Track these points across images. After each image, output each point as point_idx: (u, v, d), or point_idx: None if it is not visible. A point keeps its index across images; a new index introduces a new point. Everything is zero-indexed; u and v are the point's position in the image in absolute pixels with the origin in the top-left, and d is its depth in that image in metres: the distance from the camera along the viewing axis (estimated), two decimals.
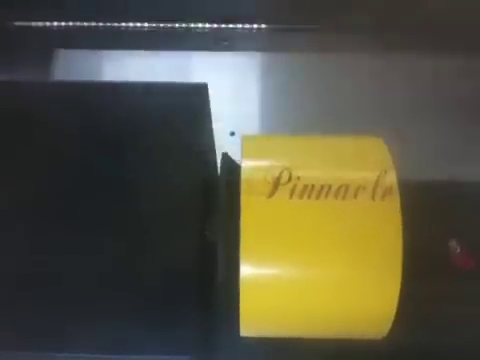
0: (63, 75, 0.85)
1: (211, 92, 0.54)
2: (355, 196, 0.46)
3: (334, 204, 0.45)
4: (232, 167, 0.50)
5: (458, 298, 0.49)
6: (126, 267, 0.47)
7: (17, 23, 0.89)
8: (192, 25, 0.89)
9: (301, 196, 0.46)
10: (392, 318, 0.45)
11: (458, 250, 0.48)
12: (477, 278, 0.49)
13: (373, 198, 0.45)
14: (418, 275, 0.45)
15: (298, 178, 0.46)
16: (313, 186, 0.46)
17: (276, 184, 0.46)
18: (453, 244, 0.48)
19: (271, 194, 0.46)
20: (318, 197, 0.46)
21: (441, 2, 0.83)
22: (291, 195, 0.46)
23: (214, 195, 0.48)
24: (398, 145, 0.49)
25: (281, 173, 0.47)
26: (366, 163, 0.48)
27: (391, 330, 0.47)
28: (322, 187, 0.46)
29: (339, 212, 0.45)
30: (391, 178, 0.46)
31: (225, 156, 0.51)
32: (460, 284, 0.49)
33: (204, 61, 0.86)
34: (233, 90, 0.82)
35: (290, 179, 0.47)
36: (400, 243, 0.44)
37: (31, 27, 0.89)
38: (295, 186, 0.46)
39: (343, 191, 0.46)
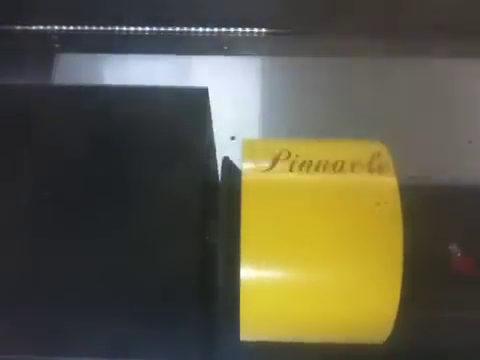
0: (64, 79, 0.85)
1: (211, 96, 0.54)
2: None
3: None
4: (233, 171, 0.50)
5: (459, 302, 0.49)
6: (126, 271, 0.47)
7: (18, 27, 0.89)
8: (192, 29, 0.89)
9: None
10: (393, 323, 0.45)
11: (459, 254, 0.48)
12: (478, 282, 0.49)
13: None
14: (419, 279, 0.45)
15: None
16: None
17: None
18: (454, 248, 0.48)
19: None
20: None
21: (441, 5, 0.83)
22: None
23: (215, 199, 0.48)
24: (399, 148, 0.49)
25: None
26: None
27: (392, 335, 0.46)
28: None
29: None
30: (392, 181, 0.47)
31: (226, 160, 0.51)
32: (461, 288, 0.49)
33: (204, 65, 0.86)
34: (233, 94, 0.82)
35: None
36: (401, 248, 0.44)
37: (32, 31, 0.89)
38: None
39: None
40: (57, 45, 0.88)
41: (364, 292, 0.45)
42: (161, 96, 0.54)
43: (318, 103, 0.82)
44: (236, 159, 0.51)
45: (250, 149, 0.50)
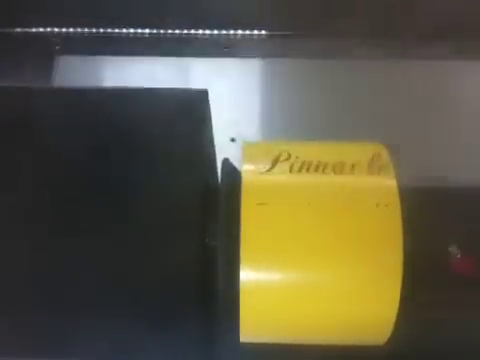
0: (64, 81, 0.85)
1: (211, 98, 0.54)
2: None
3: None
4: (232, 173, 0.50)
5: (458, 304, 0.49)
6: (126, 273, 0.47)
7: (18, 29, 0.89)
8: (192, 31, 0.89)
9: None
10: (392, 324, 0.45)
11: (458, 255, 0.48)
12: (478, 284, 0.49)
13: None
14: (418, 281, 0.45)
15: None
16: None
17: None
18: (453, 249, 0.48)
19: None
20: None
21: (440, 8, 0.83)
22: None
23: (214, 201, 0.48)
24: (399, 148, 0.49)
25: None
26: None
27: (391, 336, 0.46)
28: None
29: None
30: (392, 182, 0.47)
31: (225, 162, 0.51)
32: (461, 289, 0.49)
33: (204, 67, 0.86)
34: (233, 96, 0.83)
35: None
36: (401, 249, 0.44)
37: (32, 33, 0.90)
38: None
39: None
40: (57, 47, 0.88)
41: (364, 293, 0.45)
42: (161, 98, 0.54)
43: (318, 105, 0.82)
44: (236, 161, 0.51)
45: (250, 151, 0.50)
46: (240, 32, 0.89)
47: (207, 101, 0.54)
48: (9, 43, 0.88)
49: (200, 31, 0.89)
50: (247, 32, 0.89)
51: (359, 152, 0.49)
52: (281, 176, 0.47)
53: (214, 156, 0.60)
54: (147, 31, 0.89)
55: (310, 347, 0.49)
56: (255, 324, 0.47)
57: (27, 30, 0.89)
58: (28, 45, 0.89)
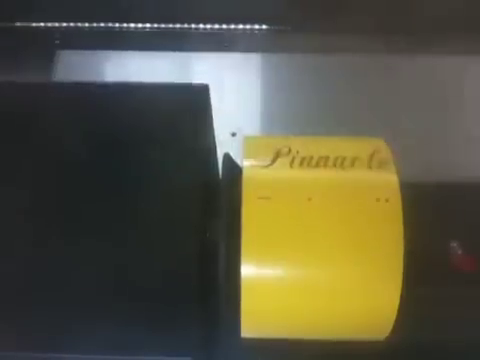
0: (64, 76, 0.85)
1: (212, 93, 0.54)
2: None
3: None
4: (233, 167, 0.50)
5: (459, 300, 0.49)
6: (126, 268, 0.47)
7: (18, 24, 0.89)
8: (193, 26, 0.89)
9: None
10: (393, 319, 0.45)
11: (459, 252, 0.48)
12: (478, 280, 0.49)
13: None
14: (419, 277, 0.45)
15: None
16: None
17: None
18: (454, 246, 0.48)
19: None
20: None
21: (442, 3, 0.83)
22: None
23: (215, 196, 0.48)
24: (399, 146, 0.49)
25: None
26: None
27: (392, 331, 0.46)
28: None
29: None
30: (393, 177, 0.47)
31: (226, 157, 0.51)
32: (461, 286, 0.49)
33: (205, 62, 0.86)
34: (234, 91, 0.82)
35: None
36: (401, 245, 0.44)
37: (32, 28, 0.89)
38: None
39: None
40: (58, 42, 0.88)
41: (365, 289, 0.45)
42: (162, 93, 0.54)
43: (318, 100, 0.82)
44: (237, 155, 0.51)
45: (250, 145, 0.50)
46: (241, 27, 0.88)
47: (208, 96, 0.54)
48: (9, 38, 0.88)
49: (201, 26, 0.88)
50: (248, 27, 0.88)
51: (360, 147, 0.49)
52: (282, 171, 0.47)
53: (215, 151, 0.60)
54: (148, 25, 0.89)
55: (311, 342, 0.49)
56: (256, 319, 0.47)
57: (27, 25, 0.89)
58: (28, 40, 0.89)
